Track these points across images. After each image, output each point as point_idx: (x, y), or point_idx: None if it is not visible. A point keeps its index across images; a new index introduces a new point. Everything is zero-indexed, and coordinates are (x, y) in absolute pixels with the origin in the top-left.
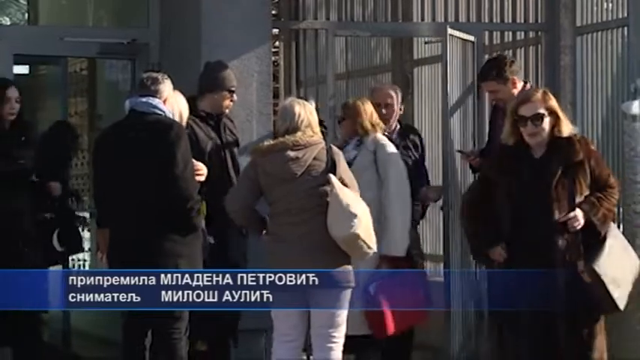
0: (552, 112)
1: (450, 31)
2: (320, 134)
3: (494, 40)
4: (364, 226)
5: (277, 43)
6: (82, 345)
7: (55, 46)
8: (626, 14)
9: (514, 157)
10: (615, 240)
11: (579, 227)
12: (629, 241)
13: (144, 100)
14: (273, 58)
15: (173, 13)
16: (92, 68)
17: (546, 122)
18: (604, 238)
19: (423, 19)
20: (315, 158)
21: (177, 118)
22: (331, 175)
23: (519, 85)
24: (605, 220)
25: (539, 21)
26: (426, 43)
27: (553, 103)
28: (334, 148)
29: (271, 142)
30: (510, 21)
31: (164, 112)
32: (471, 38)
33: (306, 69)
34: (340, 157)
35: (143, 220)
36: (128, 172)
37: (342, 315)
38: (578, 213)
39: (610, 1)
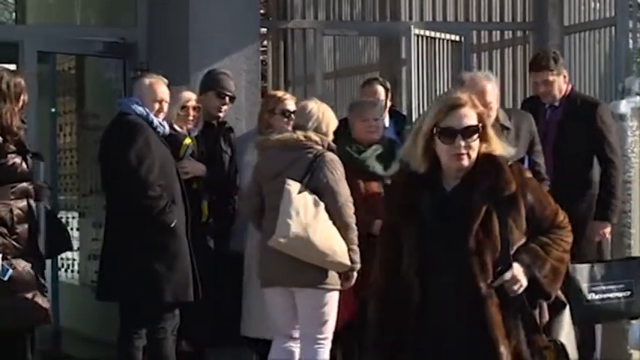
0: (482, 125)
1: (415, 30)
2: (328, 138)
3: (483, 39)
4: (297, 237)
5: (265, 43)
6: (72, 344)
7: (43, 44)
8: (613, 13)
9: (421, 189)
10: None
11: (521, 290)
12: (617, 241)
13: (124, 100)
14: (261, 58)
15: (161, 12)
16: (81, 67)
17: (477, 139)
18: (558, 304)
19: (411, 19)
20: (299, 160)
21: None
22: (288, 180)
23: (566, 84)
24: (556, 277)
25: (527, 20)
26: None
27: (481, 110)
28: (328, 156)
29: (266, 137)
30: (498, 20)
31: (136, 112)
32: (442, 36)
33: (294, 68)
34: (332, 165)
35: (116, 221)
36: (103, 171)
37: (328, 315)
38: (517, 270)
39: (597, 0)
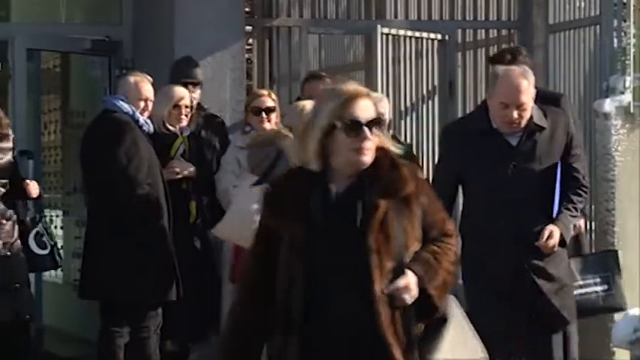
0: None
1: (380, 29)
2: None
3: (467, 37)
4: (231, 228)
5: (251, 41)
6: (55, 343)
7: (28, 42)
8: (598, 12)
9: (311, 188)
10: (457, 323)
11: (411, 301)
12: (601, 239)
13: (109, 98)
14: (246, 56)
15: (146, 10)
16: (66, 65)
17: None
18: (443, 319)
19: (396, 17)
20: (267, 157)
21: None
22: (246, 173)
23: None
24: (445, 289)
25: (512, 19)
26: None
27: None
28: None
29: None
30: (483, 19)
31: (122, 109)
32: (409, 33)
33: (279, 66)
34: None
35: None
36: (88, 170)
37: None
38: (410, 277)
39: None
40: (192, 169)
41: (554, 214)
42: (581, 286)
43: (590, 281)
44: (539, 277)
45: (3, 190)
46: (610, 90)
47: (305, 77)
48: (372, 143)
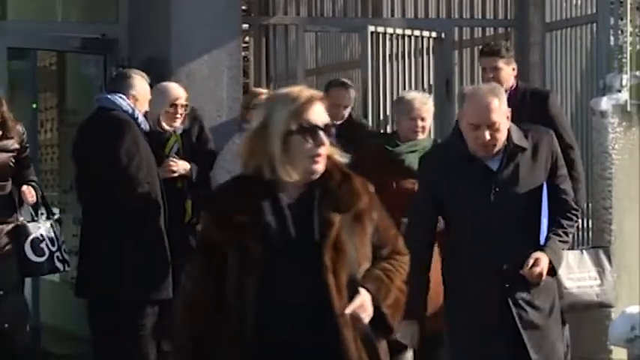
0: None
1: (370, 28)
2: None
3: (464, 36)
4: None
5: (247, 39)
6: (52, 341)
7: (24, 40)
8: (594, 10)
9: (261, 199)
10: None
11: (367, 320)
12: (598, 237)
13: (107, 96)
14: (243, 54)
15: (143, 8)
16: (62, 63)
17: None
18: (397, 345)
19: (393, 15)
20: None
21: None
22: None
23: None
24: (398, 308)
25: (509, 17)
26: None
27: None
28: None
29: None
30: (480, 17)
31: (121, 107)
32: (399, 31)
33: (276, 64)
34: None
35: (94, 217)
36: (84, 168)
37: None
38: (365, 296)
39: None
40: (188, 167)
41: (542, 240)
42: (578, 279)
43: (586, 275)
44: (524, 312)
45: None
46: (607, 88)
47: (331, 83)
48: (325, 150)
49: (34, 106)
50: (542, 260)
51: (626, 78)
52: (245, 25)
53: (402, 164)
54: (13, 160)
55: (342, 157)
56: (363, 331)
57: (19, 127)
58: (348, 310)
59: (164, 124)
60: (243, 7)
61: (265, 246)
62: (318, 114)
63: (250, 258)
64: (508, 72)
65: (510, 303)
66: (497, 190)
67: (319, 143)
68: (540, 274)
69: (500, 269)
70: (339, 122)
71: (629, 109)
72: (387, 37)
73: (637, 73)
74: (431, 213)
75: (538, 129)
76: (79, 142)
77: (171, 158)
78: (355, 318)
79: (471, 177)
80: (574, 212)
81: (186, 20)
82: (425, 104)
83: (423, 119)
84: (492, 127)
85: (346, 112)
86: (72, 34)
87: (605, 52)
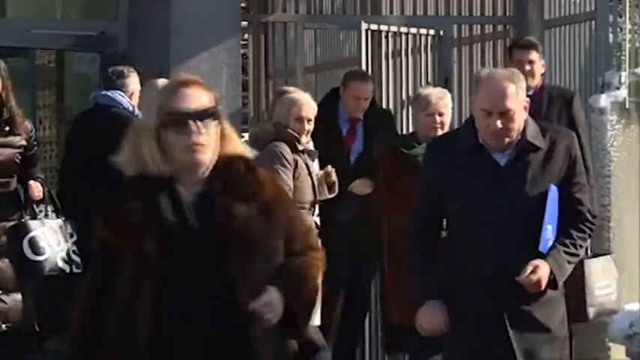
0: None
1: (364, 25)
2: (288, 129)
3: (463, 33)
4: None
5: (246, 36)
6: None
7: (22, 38)
8: (593, 8)
9: (157, 196)
10: None
11: (275, 321)
12: (597, 235)
13: (107, 93)
14: (242, 51)
15: (142, 6)
16: (61, 61)
17: (215, 127)
18: (310, 346)
19: (391, 13)
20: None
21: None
22: None
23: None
24: (310, 308)
25: (508, 14)
26: None
27: (214, 95)
28: (268, 147)
29: None
30: (479, 14)
31: (122, 105)
32: (393, 29)
33: (275, 62)
34: (265, 155)
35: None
36: (81, 165)
37: None
38: (274, 294)
39: None
40: None
41: (542, 248)
42: (602, 287)
43: (608, 282)
44: (520, 325)
45: (1, 190)
46: (605, 85)
47: (348, 76)
48: (206, 138)
49: (33, 103)
50: (542, 269)
51: (624, 75)
52: (244, 23)
53: (418, 166)
54: (19, 157)
55: (246, 148)
56: (271, 331)
57: (28, 124)
58: (252, 307)
59: None
60: (243, 5)
61: (164, 245)
62: (188, 99)
63: (147, 258)
64: (539, 67)
65: (505, 315)
66: (502, 187)
67: (189, 131)
68: (538, 284)
69: (497, 276)
70: (359, 114)
71: (627, 106)
72: (384, 34)
73: (636, 70)
74: (434, 207)
75: (559, 129)
76: (77, 138)
77: None
78: (261, 317)
79: (475, 170)
80: (588, 225)
81: (186, 17)
82: (442, 99)
83: (441, 114)
84: (506, 114)
85: (367, 104)
86: (71, 32)
87: (604, 50)
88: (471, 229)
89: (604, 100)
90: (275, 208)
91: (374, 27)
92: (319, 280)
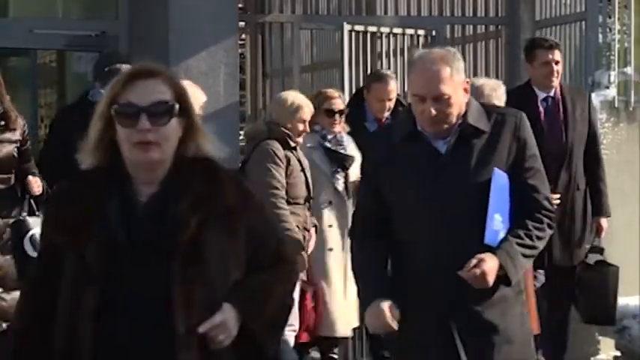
0: (183, 107)
1: (347, 26)
2: (281, 127)
3: (456, 33)
4: None
5: (244, 36)
6: None
7: (24, 38)
8: (583, 9)
9: (105, 196)
10: None
11: (228, 342)
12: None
13: (102, 91)
14: (240, 51)
15: (142, 6)
16: (61, 60)
17: (173, 123)
18: None
19: (386, 13)
20: (246, 151)
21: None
22: None
23: None
24: (275, 327)
25: (500, 15)
26: None
27: (182, 89)
28: (261, 145)
29: None
30: (471, 15)
31: None
32: (380, 29)
33: (272, 61)
34: (259, 153)
35: None
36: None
37: None
38: (229, 312)
39: None
40: None
41: (487, 240)
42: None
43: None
44: (467, 326)
45: (2, 186)
46: (595, 84)
47: (369, 78)
48: (157, 135)
49: (35, 102)
50: (487, 262)
51: (613, 75)
52: (242, 23)
53: None
54: (17, 152)
55: (212, 147)
56: (222, 354)
57: (20, 120)
58: (201, 330)
59: None
60: (240, 5)
61: (108, 251)
62: (141, 93)
63: (89, 264)
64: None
65: (450, 315)
66: (442, 176)
67: (140, 127)
68: (482, 278)
69: (441, 273)
70: (385, 114)
71: (616, 105)
72: (378, 34)
73: (624, 70)
74: (376, 203)
75: (506, 111)
76: (64, 128)
77: None
78: (212, 339)
79: (413, 159)
80: (545, 213)
81: (185, 18)
82: (495, 90)
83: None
84: (440, 99)
85: (391, 104)
86: (71, 32)
87: (594, 50)
88: (413, 223)
89: (594, 99)
90: (238, 216)
91: (360, 28)
92: (293, 294)
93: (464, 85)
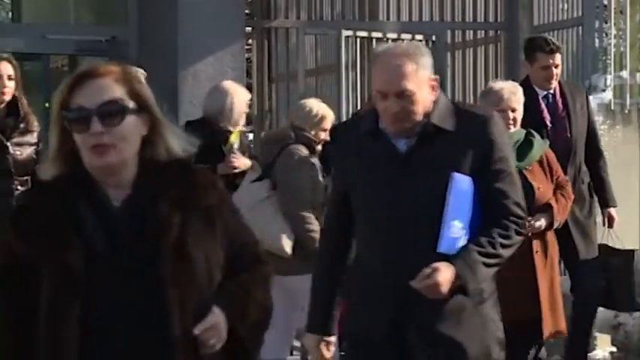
0: (141, 105)
1: (344, 32)
2: (307, 133)
3: (456, 38)
4: None
5: (250, 41)
6: None
7: (37, 43)
8: (580, 14)
9: (77, 202)
10: None
11: (219, 346)
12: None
13: None
14: (246, 56)
15: (151, 12)
16: (73, 65)
17: (129, 123)
18: None
19: (388, 19)
20: (270, 154)
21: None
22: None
23: None
24: (258, 329)
25: (499, 20)
26: None
27: (138, 89)
28: (288, 149)
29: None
30: (471, 20)
31: None
32: (373, 35)
33: (277, 66)
34: (285, 157)
35: None
36: None
37: None
38: (218, 316)
39: (565, 1)
40: (249, 163)
41: (444, 249)
42: None
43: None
44: (419, 339)
45: (22, 188)
46: (592, 88)
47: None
48: (114, 137)
49: (47, 105)
50: (442, 272)
51: (610, 78)
52: (248, 29)
53: None
54: (35, 154)
55: (181, 147)
56: (212, 358)
57: (36, 122)
58: (196, 332)
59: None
60: (247, 11)
61: (87, 259)
62: (90, 94)
63: (68, 275)
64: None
65: (402, 328)
66: (401, 177)
67: (92, 131)
68: (436, 289)
69: (394, 281)
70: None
71: (612, 107)
72: (365, 40)
73: (620, 73)
74: (342, 202)
75: (475, 110)
76: None
77: (232, 154)
78: (204, 343)
79: (374, 158)
80: (513, 220)
81: (193, 23)
82: (515, 94)
83: (513, 110)
84: (402, 96)
85: None
86: (83, 37)
87: (591, 54)
88: (370, 226)
89: (590, 103)
90: (216, 217)
91: (362, 34)
92: (267, 298)
93: (430, 82)
